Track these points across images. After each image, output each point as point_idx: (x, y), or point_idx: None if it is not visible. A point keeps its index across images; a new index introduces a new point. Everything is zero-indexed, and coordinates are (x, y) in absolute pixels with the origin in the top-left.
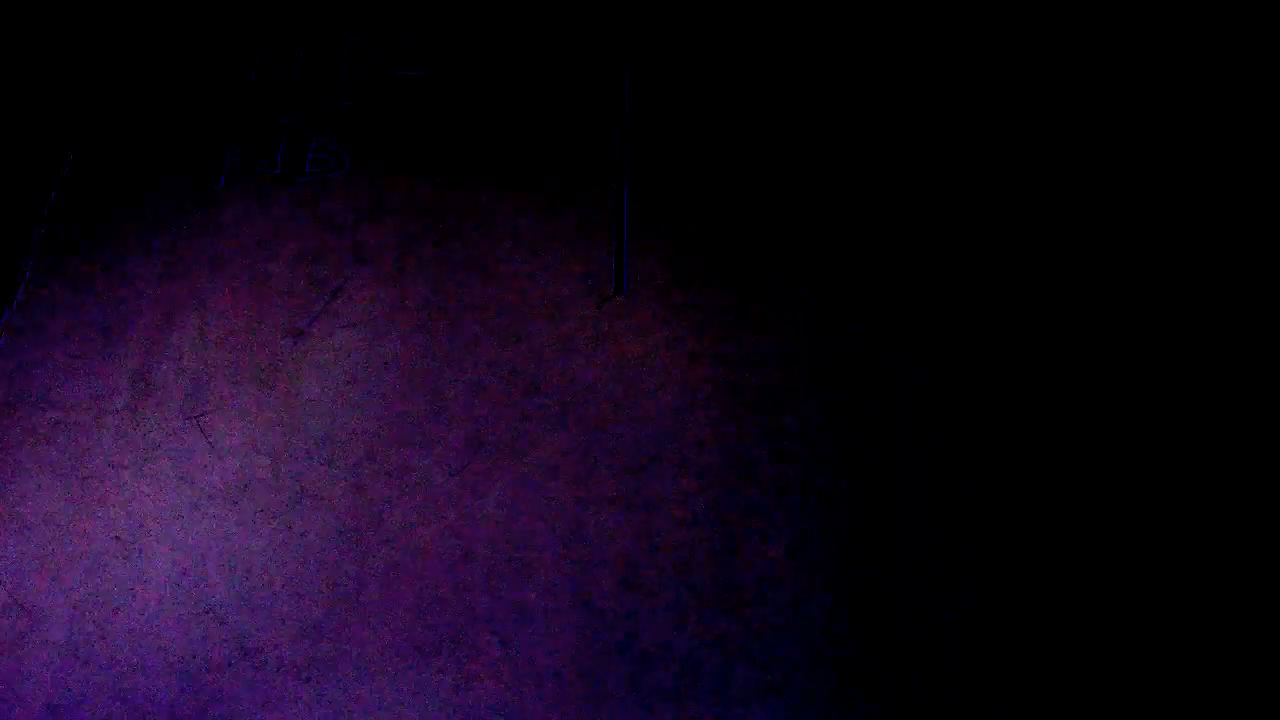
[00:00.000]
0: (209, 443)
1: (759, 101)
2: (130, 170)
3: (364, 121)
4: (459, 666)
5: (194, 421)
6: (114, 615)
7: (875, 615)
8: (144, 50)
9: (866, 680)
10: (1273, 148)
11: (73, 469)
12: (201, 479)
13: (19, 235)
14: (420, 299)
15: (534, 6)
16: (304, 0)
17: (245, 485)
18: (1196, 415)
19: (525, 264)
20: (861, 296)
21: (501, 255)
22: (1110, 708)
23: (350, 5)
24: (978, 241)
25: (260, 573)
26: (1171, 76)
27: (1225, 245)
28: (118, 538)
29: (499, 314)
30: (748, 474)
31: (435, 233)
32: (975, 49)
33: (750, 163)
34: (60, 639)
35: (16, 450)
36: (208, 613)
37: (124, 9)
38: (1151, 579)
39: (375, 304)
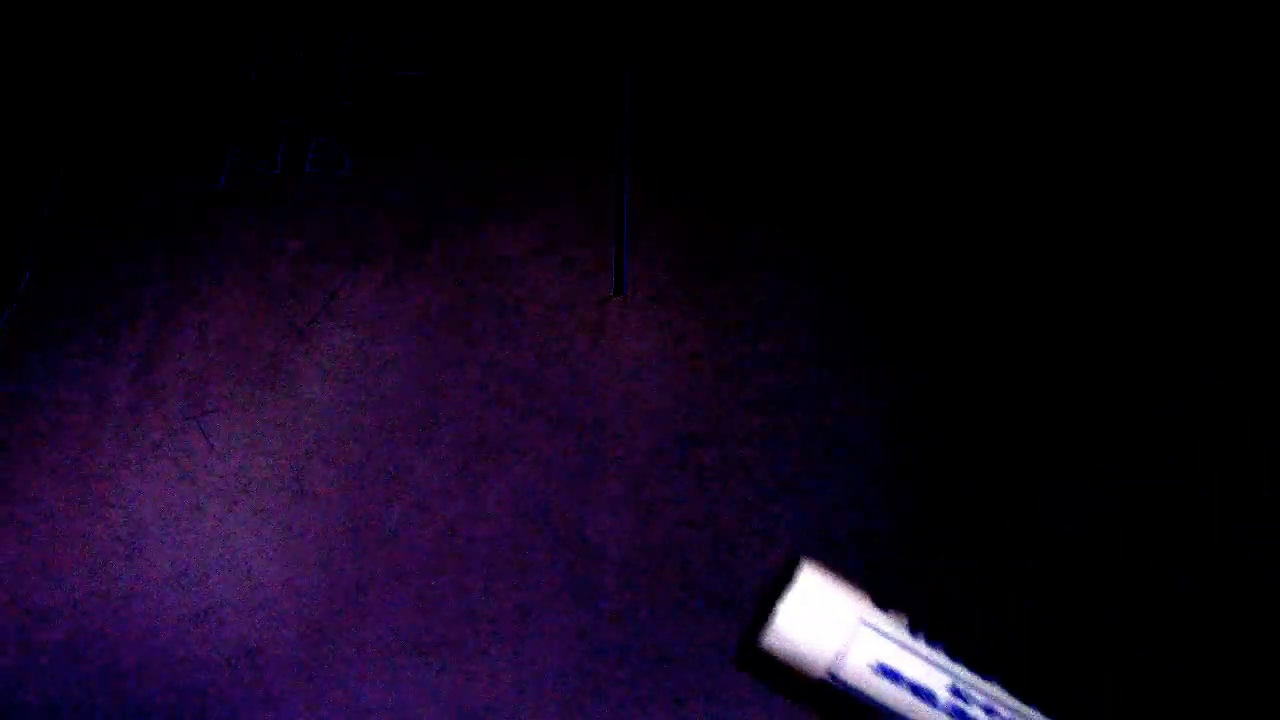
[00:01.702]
0: (209, 443)
1: (762, 100)
2: (130, 170)
3: (364, 121)
4: (459, 666)
5: (194, 421)
6: (114, 616)
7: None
8: (144, 50)
9: None
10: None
11: (73, 469)
12: (201, 479)
13: (19, 235)
14: (420, 299)
15: (534, 6)
16: (304, 0)
17: (245, 485)
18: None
19: (525, 264)
20: (862, 297)
21: (501, 255)
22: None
23: (350, 5)
24: (974, 242)
25: (260, 573)
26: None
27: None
28: (118, 538)
29: (499, 314)
30: (747, 474)
31: (435, 233)
32: (979, 55)
33: (752, 163)
34: (60, 639)
35: (16, 450)
36: (208, 613)
37: (125, 9)
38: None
39: (375, 304)
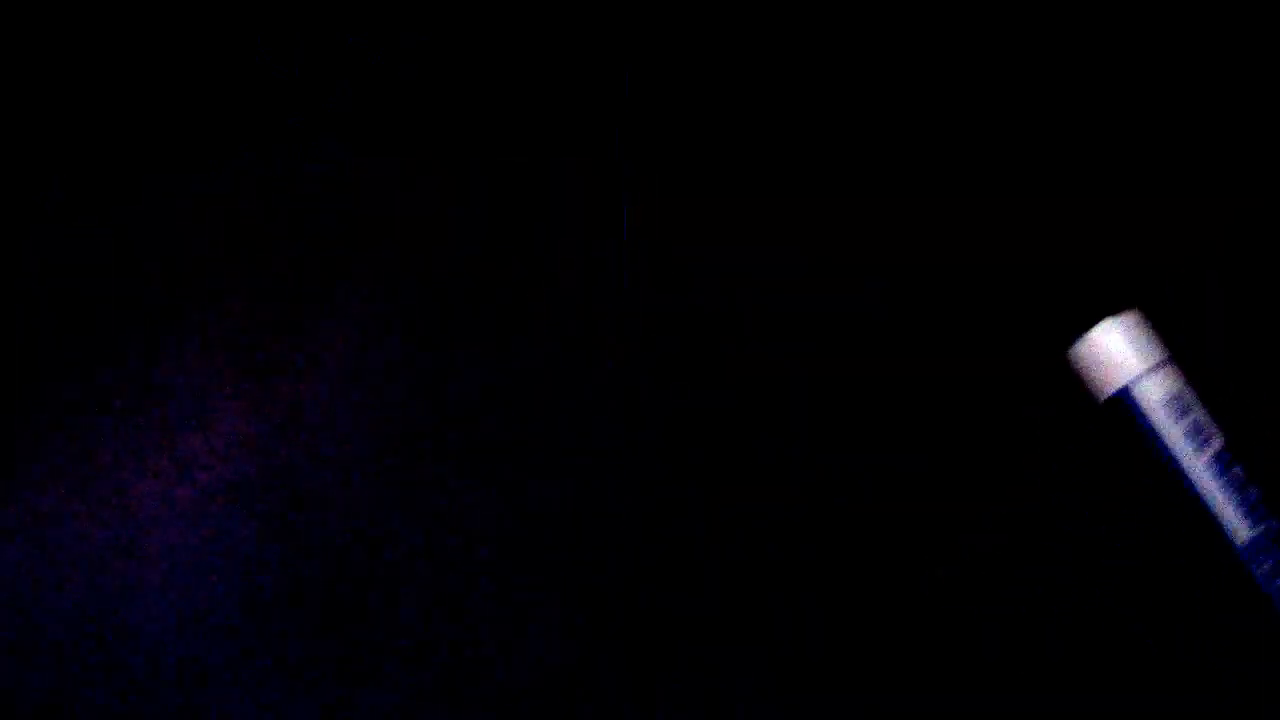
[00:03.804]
0: (209, 443)
1: (765, 98)
2: (130, 170)
3: (364, 121)
4: (460, 668)
5: (194, 421)
6: (113, 616)
7: (881, 618)
8: (144, 49)
9: (871, 683)
10: None
11: (73, 469)
12: (201, 479)
13: (19, 234)
14: (420, 299)
15: (534, 6)
16: (304, 0)
17: (245, 485)
18: None
19: (526, 263)
20: (867, 301)
21: (502, 255)
22: None
23: (350, 5)
24: (980, 243)
25: (260, 573)
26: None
27: None
28: (117, 538)
29: (500, 314)
30: (747, 473)
31: (435, 233)
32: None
33: (754, 161)
34: (60, 640)
35: (17, 450)
36: (208, 613)
37: (124, 8)
38: None
39: (375, 304)
